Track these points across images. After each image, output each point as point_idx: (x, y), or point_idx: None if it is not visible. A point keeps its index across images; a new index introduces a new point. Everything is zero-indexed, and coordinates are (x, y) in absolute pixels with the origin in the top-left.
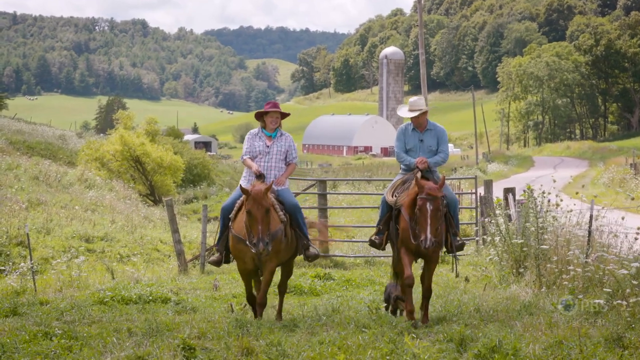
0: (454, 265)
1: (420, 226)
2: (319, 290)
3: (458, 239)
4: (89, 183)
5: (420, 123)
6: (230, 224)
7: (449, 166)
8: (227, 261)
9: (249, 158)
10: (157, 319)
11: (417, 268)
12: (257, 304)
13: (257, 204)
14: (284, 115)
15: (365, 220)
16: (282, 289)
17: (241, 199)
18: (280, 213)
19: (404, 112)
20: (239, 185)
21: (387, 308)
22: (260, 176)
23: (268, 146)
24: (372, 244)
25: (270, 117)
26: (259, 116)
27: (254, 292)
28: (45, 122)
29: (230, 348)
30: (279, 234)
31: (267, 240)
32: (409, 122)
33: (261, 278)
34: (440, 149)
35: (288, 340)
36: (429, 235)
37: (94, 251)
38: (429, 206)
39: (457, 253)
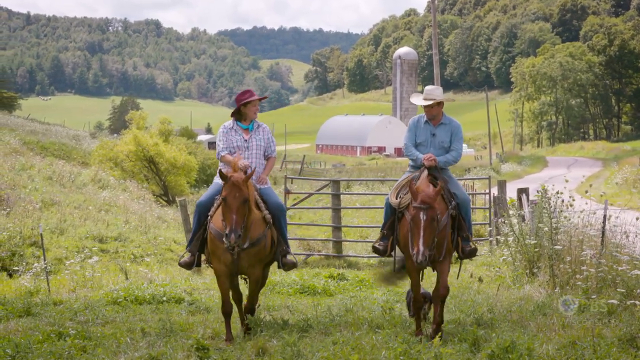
0: (459, 269)
1: (413, 238)
2: (333, 290)
3: (470, 243)
4: (103, 183)
5: (433, 115)
6: (208, 219)
7: (463, 166)
8: (199, 264)
9: (228, 154)
10: (170, 319)
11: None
12: (245, 309)
13: (235, 192)
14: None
15: (379, 220)
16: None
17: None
18: (265, 212)
19: (417, 100)
20: (214, 180)
21: (410, 315)
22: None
23: (246, 140)
24: (376, 250)
25: (252, 107)
26: (235, 110)
27: (232, 301)
28: (58, 123)
29: (244, 348)
30: (263, 239)
31: (240, 232)
32: (423, 113)
33: (245, 282)
34: (453, 146)
35: (302, 341)
36: (421, 249)
37: (108, 251)
38: (422, 216)
39: (470, 258)
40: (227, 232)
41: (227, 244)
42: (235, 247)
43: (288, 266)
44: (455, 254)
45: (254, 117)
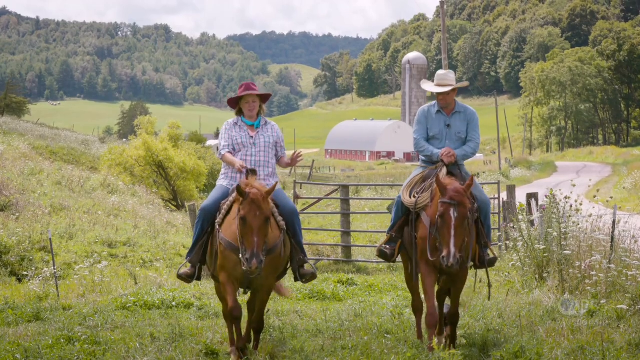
0: (487, 277)
1: (442, 238)
2: (342, 295)
3: (489, 252)
4: (112, 188)
5: (448, 103)
6: (217, 228)
7: (472, 171)
8: (199, 277)
9: (229, 153)
10: (180, 324)
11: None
12: (253, 329)
13: (256, 210)
14: (265, 99)
15: (388, 225)
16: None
17: (230, 199)
18: (280, 219)
19: (430, 86)
20: (218, 183)
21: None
22: (252, 172)
23: (252, 137)
24: (381, 254)
25: (244, 103)
26: (234, 104)
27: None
28: (68, 127)
29: (252, 354)
30: (279, 246)
31: (262, 257)
32: (432, 102)
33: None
34: (469, 136)
35: (311, 346)
36: (452, 250)
37: (117, 256)
38: (453, 213)
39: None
40: (247, 256)
41: (247, 269)
42: (256, 273)
43: (307, 277)
44: (471, 263)
45: (251, 114)
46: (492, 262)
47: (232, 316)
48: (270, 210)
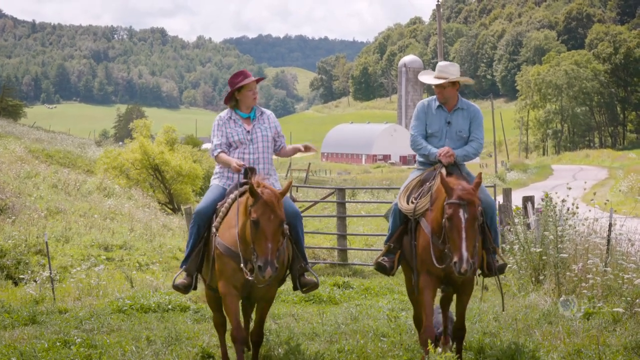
0: (501, 294)
1: (452, 243)
2: (338, 298)
3: (497, 258)
4: (108, 191)
5: (446, 98)
6: (213, 232)
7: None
8: (196, 286)
9: (223, 152)
10: (176, 327)
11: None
12: (252, 341)
13: (270, 213)
14: (258, 81)
15: (384, 228)
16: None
17: (229, 200)
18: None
19: (428, 78)
20: (212, 182)
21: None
22: (251, 170)
23: (249, 131)
24: (380, 267)
25: (247, 92)
26: (229, 98)
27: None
28: (64, 131)
29: (248, 357)
30: (283, 254)
31: (277, 265)
32: (432, 97)
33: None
34: (473, 135)
35: (307, 349)
36: (464, 255)
37: (113, 259)
38: (462, 214)
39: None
40: (260, 263)
41: (259, 278)
42: (267, 282)
43: (308, 287)
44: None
45: (253, 104)
46: (502, 269)
47: (234, 340)
48: (284, 213)
